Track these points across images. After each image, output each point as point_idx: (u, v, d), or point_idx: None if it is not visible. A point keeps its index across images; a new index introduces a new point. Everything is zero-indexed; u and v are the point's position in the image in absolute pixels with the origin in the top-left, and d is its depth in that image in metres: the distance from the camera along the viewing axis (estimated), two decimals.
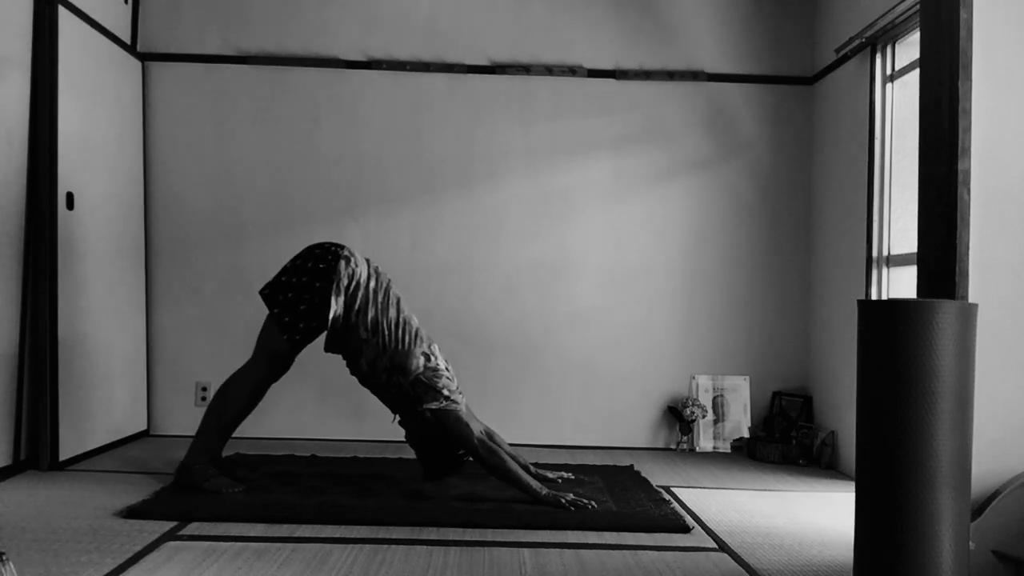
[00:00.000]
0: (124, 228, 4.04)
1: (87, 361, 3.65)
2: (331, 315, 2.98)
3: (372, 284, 3.08)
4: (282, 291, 3.04)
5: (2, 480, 3.17)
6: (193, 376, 4.30)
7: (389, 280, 3.17)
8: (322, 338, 3.14)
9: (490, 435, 3.16)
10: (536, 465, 3.40)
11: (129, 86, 4.15)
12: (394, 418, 3.21)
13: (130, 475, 3.33)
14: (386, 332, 3.04)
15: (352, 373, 3.17)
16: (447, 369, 3.12)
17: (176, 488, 3.04)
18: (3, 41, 3.22)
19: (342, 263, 3.02)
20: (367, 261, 3.15)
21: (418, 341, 3.09)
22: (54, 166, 3.42)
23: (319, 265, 3.02)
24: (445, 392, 3.03)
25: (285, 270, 3.10)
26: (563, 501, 2.90)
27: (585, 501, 2.92)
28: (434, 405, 3.01)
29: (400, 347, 3.04)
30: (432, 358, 3.09)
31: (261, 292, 3.11)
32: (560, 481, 3.31)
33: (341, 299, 3.00)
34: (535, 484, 2.96)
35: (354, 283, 3.03)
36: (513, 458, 3.14)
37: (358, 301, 3.03)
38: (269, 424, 4.29)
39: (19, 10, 3.32)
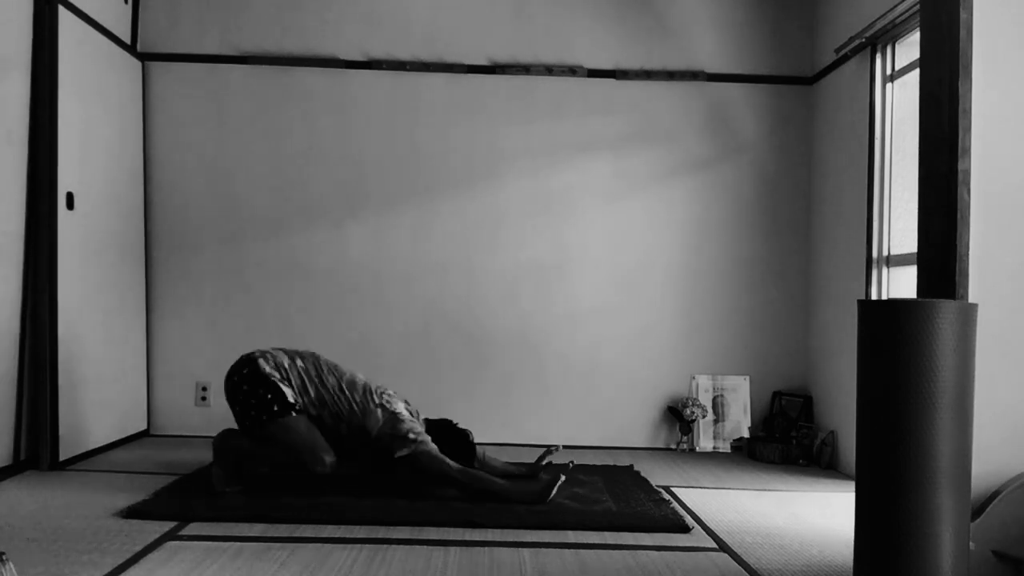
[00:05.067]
0: (124, 228, 4.04)
1: (87, 361, 3.65)
2: (291, 399, 2.99)
3: (299, 363, 3.09)
4: (242, 422, 3.05)
5: (2, 480, 3.17)
6: (193, 376, 4.30)
7: (314, 353, 3.18)
8: None
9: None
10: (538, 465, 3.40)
11: (129, 86, 4.15)
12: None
13: (130, 475, 3.33)
14: (333, 401, 3.05)
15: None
16: (407, 410, 3.11)
17: (176, 488, 3.04)
18: (3, 41, 3.22)
19: (259, 363, 3.04)
20: (282, 349, 3.16)
21: (369, 396, 3.08)
22: (54, 166, 3.42)
23: (244, 381, 3.02)
24: (411, 436, 3.01)
25: (232, 408, 3.08)
26: (552, 488, 2.94)
27: (569, 466, 3.02)
28: (405, 452, 2.99)
29: (354, 408, 3.05)
30: (388, 406, 3.07)
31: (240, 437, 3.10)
32: (552, 451, 3.38)
33: (287, 386, 3.02)
34: (516, 490, 2.95)
35: (282, 370, 3.04)
36: (491, 460, 3.22)
37: (294, 384, 3.04)
38: None
39: (19, 10, 3.32)
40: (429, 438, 3.06)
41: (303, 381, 3.06)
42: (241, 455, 3.06)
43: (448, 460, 3.00)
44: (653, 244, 4.40)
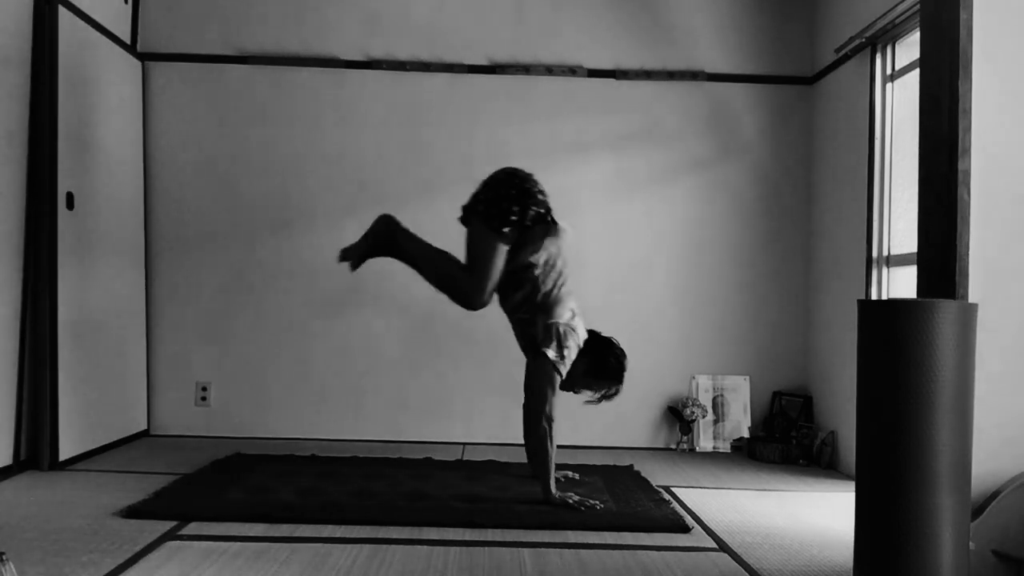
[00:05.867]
0: (124, 228, 4.04)
1: (87, 361, 3.65)
2: (514, 219, 2.99)
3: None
4: (475, 204, 3.05)
5: (2, 480, 3.17)
6: (193, 376, 4.30)
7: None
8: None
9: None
10: None
11: (129, 86, 4.15)
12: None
13: (130, 475, 3.33)
14: (551, 272, 3.07)
15: (501, 302, 3.20)
16: (580, 339, 3.09)
17: (176, 488, 3.04)
18: (3, 41, 3.22)
19: (534, 188, 3.05)
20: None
21: (570, 297, 3.12)
22: (54, 166, 3.42)
23: (513, 186, 3.02)
24: (564, 353, 3.02)
25: (481, 190, 3.09)
26: (570, 501, 2.93)
27: (592, 502, 2.93)
28: (549, 353, 3.00)
29: (556, 291, 3.08)
30: (576, 317, 3.10)
31: (461, 218, 3.13)
32: (563, 480, 3.32)
33: (530, 213, 3.00)
34: (553, 484, 2.98)
35: (541, 211, 3.04)
36: None
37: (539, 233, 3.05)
38: (269, 424, 4.29)
39: (19, 10, 3.32)
40: (563, 376, 3.06)
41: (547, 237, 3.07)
42: (400, 248, 3.15)
43: (550, 401, 2.99)
44: (653, 244, 4.40)
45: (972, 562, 2.07)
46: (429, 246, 3.16)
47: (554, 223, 3.09)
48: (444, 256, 3.14)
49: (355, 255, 3.19)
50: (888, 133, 3.70)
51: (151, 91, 4.32)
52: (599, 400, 3.24)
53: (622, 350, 3.20)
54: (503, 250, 3.01)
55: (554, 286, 3.08)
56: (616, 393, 3.23)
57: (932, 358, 1.84)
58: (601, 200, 4.38)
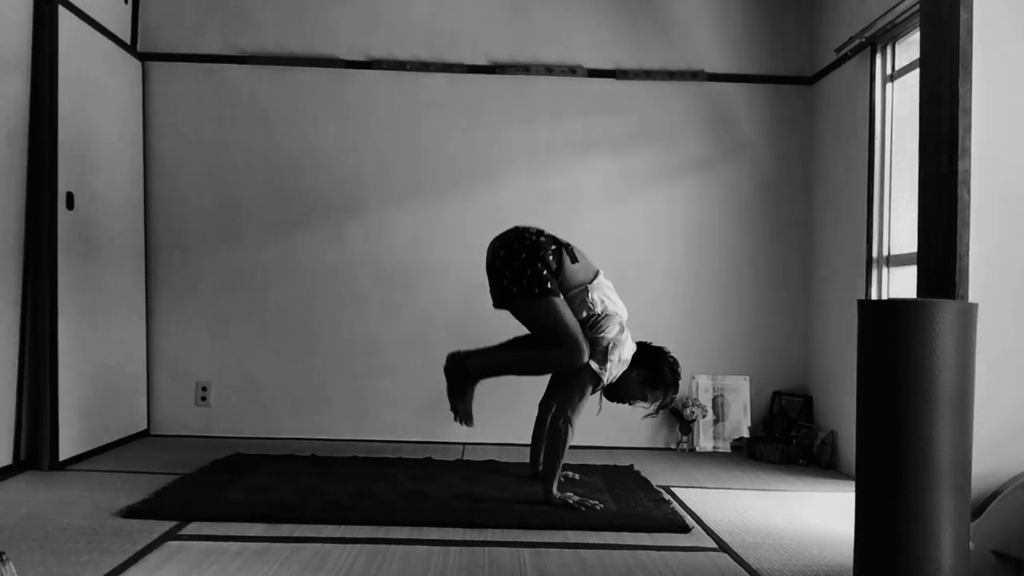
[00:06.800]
0: (124, 228, 4.04)
1: (87, 361, 3.65)
2: (546, 273, 3.03)
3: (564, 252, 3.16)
4: (508, 289, 3.08)
5: (2, 480, 3.17)
6: (193, 376, 4.30)
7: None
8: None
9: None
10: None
11: (129, 86, 4.15)
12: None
13: (130, 475, 3.33)
14: (597, 292, 3.14)
15: None
16: (624, 354, 3.12)
17: (176, 488, 3.04)
18: (3, 41, 3.22)
19: (540, 240, 3.09)
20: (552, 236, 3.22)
21: (616, 317, 3.15)
22: (54, 166, 3.42)
23: (524, 251, 3.06)
24: (607, 366, 3.06)
25: (500, 272, 3.12)
26: (570, 501, 2.93)
27: (592, 502, 2.93)
28: (592, 365, 3.05)
29: (604, 310, 3.12)
30: (624, 332, 3.13)
31: (497, 305, 3.20)
32: (563, 480, 3.33)
33: (550, 259, 3.05)
34: (555, 484, 3.00)
35: (553, 254, 3.09)
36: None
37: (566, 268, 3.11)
38: (269, 424, 4.29)
39: (19, 10, 3.32)
40: (603, 383, 3.11)
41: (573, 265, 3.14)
42: (481, 372, 3.23)
43: (576, 409, 3.05)
44: (653, 244, 4.40)
45: (972, 562, 2.07)
46: (499, 350, 3.28)
47: (568, 247, 3.14)
48: (518, 347, 3.25)
49: (460, 410, 3.30)
50: (888, 133, 3.70)
51: (151, 91, 4.32)
52: (657, 411, 3.31)
53: (675, 358, 3.25)
54: (563, 303, 3.06)
55: (601, 305, 3.13)
56: (671, 401, 3.30)
57: (932, 358, 1.84)
58: (601, 200, 4.38)
